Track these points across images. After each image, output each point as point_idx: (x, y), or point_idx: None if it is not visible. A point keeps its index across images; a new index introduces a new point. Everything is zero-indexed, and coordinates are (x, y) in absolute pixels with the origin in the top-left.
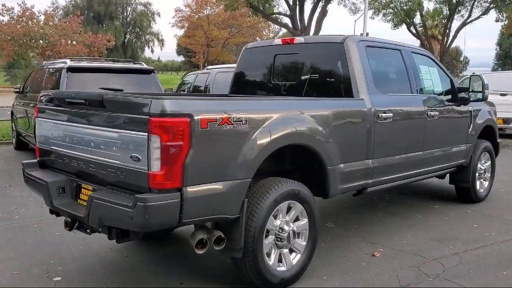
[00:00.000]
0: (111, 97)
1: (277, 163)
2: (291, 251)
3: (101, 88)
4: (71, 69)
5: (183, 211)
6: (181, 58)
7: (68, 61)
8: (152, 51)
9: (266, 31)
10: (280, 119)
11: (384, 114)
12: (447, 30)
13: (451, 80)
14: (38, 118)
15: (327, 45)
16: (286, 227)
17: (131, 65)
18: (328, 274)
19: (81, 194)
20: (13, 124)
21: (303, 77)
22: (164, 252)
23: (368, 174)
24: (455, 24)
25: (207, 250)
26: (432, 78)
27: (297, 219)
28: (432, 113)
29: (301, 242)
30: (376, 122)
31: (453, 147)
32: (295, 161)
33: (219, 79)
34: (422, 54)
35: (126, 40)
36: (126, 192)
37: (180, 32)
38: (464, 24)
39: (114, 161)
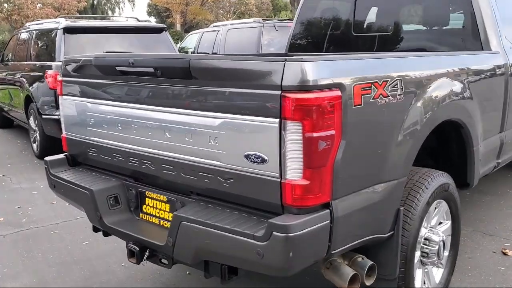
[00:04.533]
0: (206, 61)
1: None
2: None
3: (106, 52)
4: (68, 30)
5: (333, 237)
6: (152, 19)
7: (62, 20)
8: (120, 14)
9: None
10: (436, 85)
11: None
12: None
13: None
14: (64, 97)
15: None
16: (435, 238)
17: (137, 23)
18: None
19: (145, 206)
20: None
21: (403, 26)
22: None
23: (500, 152)
24: None
25: None
26: None
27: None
28: None
29: (445, 253)
30: (511, 82)
31: None
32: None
33: (232, 38)
34: None
35: (95, 2)
36: (233, 208)
37: None
38: None
39: (213, 161)
